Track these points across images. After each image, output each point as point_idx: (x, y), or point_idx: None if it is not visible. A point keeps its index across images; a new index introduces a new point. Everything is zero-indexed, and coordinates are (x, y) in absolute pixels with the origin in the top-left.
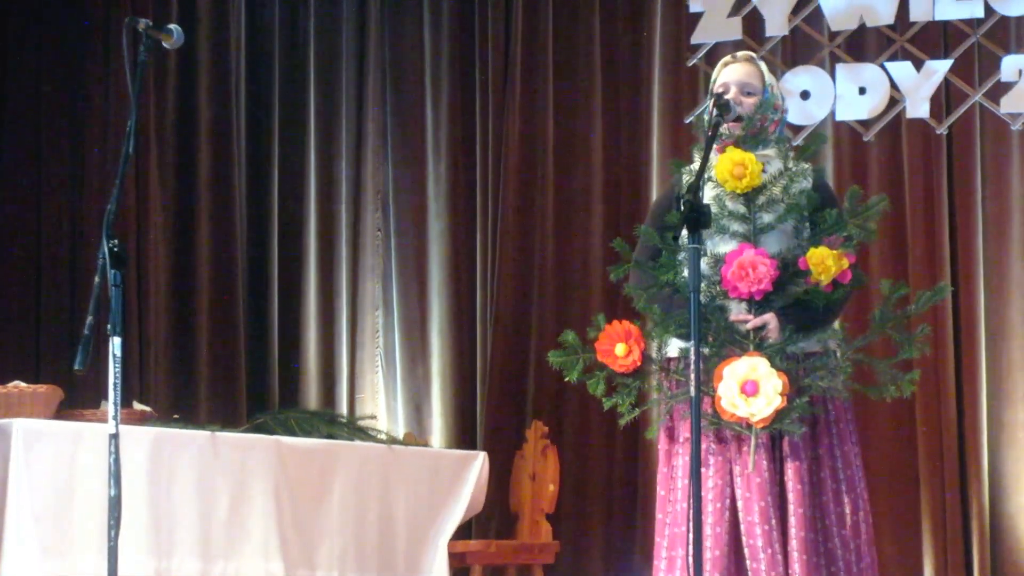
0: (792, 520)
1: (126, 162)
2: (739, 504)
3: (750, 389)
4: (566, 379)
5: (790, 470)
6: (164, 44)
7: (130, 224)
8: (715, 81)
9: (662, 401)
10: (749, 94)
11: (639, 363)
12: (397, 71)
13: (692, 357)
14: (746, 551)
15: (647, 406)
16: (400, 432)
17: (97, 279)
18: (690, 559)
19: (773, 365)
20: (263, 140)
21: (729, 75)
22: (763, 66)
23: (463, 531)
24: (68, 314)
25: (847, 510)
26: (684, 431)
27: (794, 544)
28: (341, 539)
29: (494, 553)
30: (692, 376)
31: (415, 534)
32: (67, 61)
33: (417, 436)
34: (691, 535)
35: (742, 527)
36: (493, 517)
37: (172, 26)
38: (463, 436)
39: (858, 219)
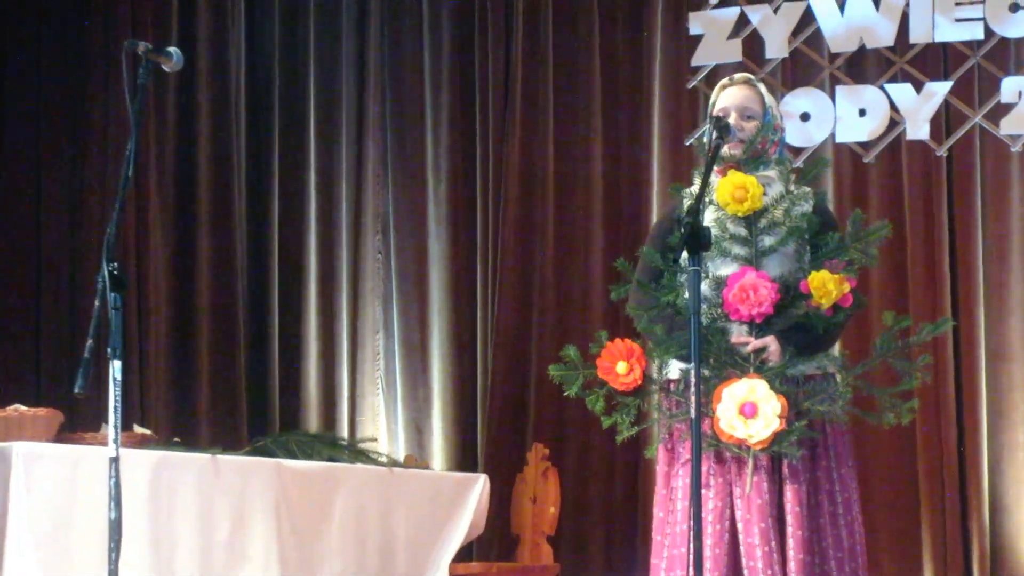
0: (791, 542)
1: (126, 185)
2: (739, 526)
3: (748, 411)
4: (565, 393)
5: (789, 492)
6: (164, 67)
7: (130, 247)
8: (714, 104)
9: (662, 421)
10: (749, 118)
11: (640, 382)
12: (397, 94)
13: (692, 379)
14: (746, 573)
15: (646, 425)
16: (401, 455)
17: (97, 302)
18: None
19: (773, 388)
20: (263, 163)
21: (728, 99)
22: (762, 87)
23: (464, 554)
24: (68, 337)
25: (843, 533)
26: (683, 453)
27: (792, 566)
28: (342, 562)
29: (495, 575)
30: (692, 398)
31: (416, 557)
32: (67, 84)
33: (418, 459)
34: (691, 556)
35: (742, 549)
36: (494, 540)
37: (172, 49)
38: (464, 459)
39: (860, 244)
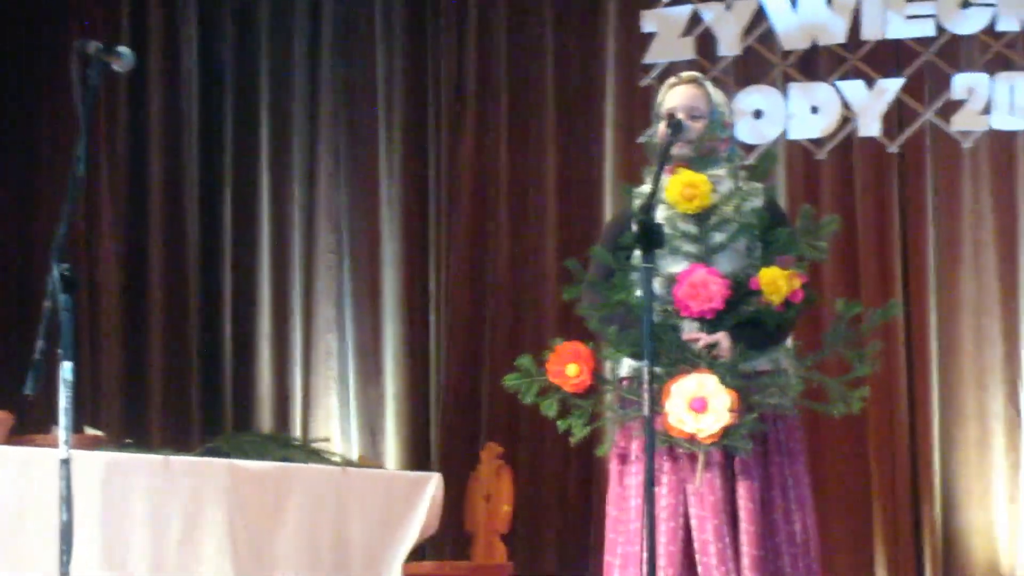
0: (744, 538)
1: (76, 185)
2: (692, 522)
3: (698, 406)
4: (521, 400)
5: (742, 488)
6: (115, 67)
7: (81, 248)
8: (661, 104)
9: (614, 420)
10: (696, 118)
11: (590, 382)
12: (350, 94)
13: (645, 377)
14: (699, 569)
15: (599, 424)
16: (354, 454)
17: (47, 303)
18: None
19: (724, 383)
20: (216, 163)
21: (675, 99)
22: (709, 86)
23: (418, 553)
24: (18, 339)
25: (796, 528)
26: (636, 450)
27: (745, 562)
28: (295, 562)
29: (449, 574)
30: (645, 395)
31: (370, 556)
32: (18, 84)
33: (371, 458)
34: (645, 554)
35: (695, 545)
36: (448, 538)
37: (123, 49)
38: (417, 458)
39: (810, 238)
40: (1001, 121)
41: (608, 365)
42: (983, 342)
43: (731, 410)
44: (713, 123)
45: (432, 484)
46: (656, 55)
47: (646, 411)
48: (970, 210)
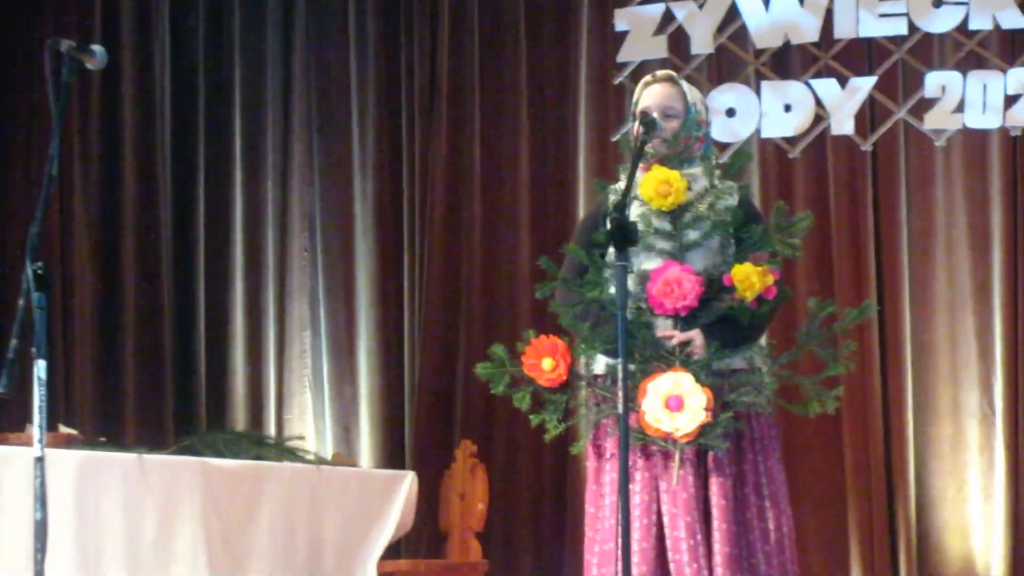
0: (716, 535)
1: (50, 184)
2: (665, 520)
3: (674, 404)
4: (492, 391)
5: (715, 485)
6: (87, 65)
7: (54, 246)
8: (636, 103)
9: (589, 417)
10: (671, 116)
11: (565, 378)
12: (323, 92)
13: (619, 374)
14: (672, 566)
15: (573, 421)
16: (328, 452)
17: (21, 301)
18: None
19: (698, 381)
20: (188, 162)
21: (650, 98)
22: (684, 85)
23: (392, 551)
24: None
25: (771, 526)
26: (612, 448)
27: (718, 560)
28: (270, 560)
29: (424, 572)
30: (620, 393)
31: (344, 554)
32: None
33: (346, 456)
34: (619, 551)
35: (668, 542)
36: (422, 536)
37: (95, 47)
38: (392, 456)
39: (783, 235)
40: (974, 119)
41: (582, 361)
42: (957, 340)
43: (707, 409)
44: (688, 121)
45: (407, 482)
46: (629, 53)
47: (620, 408)
48: (943, 208)
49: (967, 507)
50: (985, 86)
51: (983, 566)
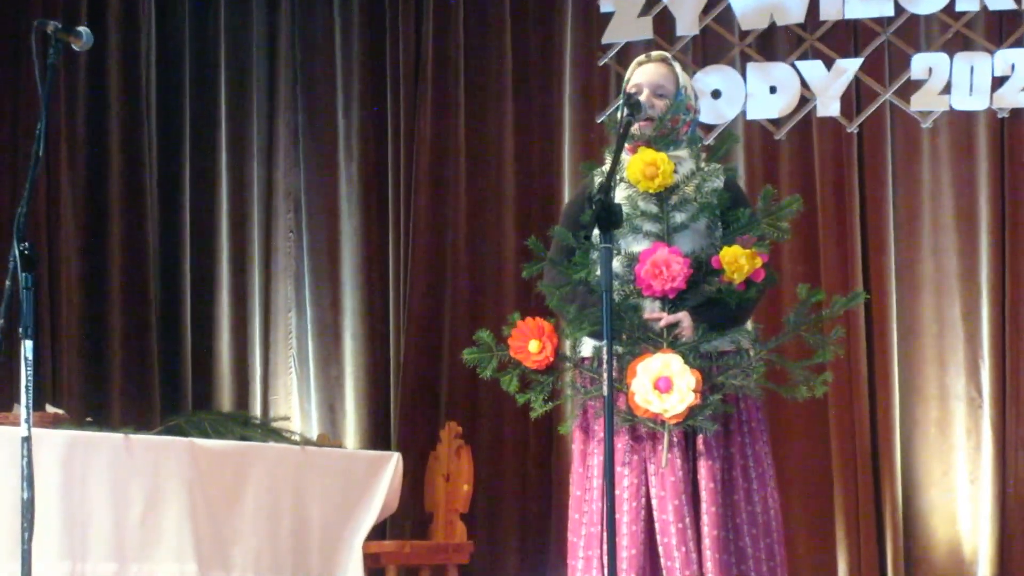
0: (705, 519)
1: (36, 165)
2: (654, 503)
3: (663, 385)
4: (480, 375)
5: (703, 468)
6: (74, 46)
7: (41, 227)
8: (628, 81)
9: (576, 399)
10: (661, 96)
11: (551, 359)
12: (308, 72)
13: (605, 356)
14: (660, 549)
15: (560, 402)
16: (314, 433)
17: (8, 282)
18: (605, 558)
19: (687, 363)
20: (174, 142)
21: (642, 76)
22: (677, 67)
23: (377, 532)
24: None
25: (758, 508)
26: (599, 430)
27: (707, 543)
28: (255, 540)
29: (409, 554)
30: (605, 375)
31: (329, 535)
32: None
33: (331, 437)
34: (605, 534)
35: (656, 525)
36: (408, 518)
37: (81, 28)
38: (377, 437)
39: (771, 218)
40: (961, 101)
41: (568, 343)
42: (944, 323)
43: (695, 390)
44: (677, 104)
45: (392, 463)
46: (614, 35)
47: (606, 391)
48: (930, 190)
49: (954, 490)
50: (972, 68)
51: (970, 550)
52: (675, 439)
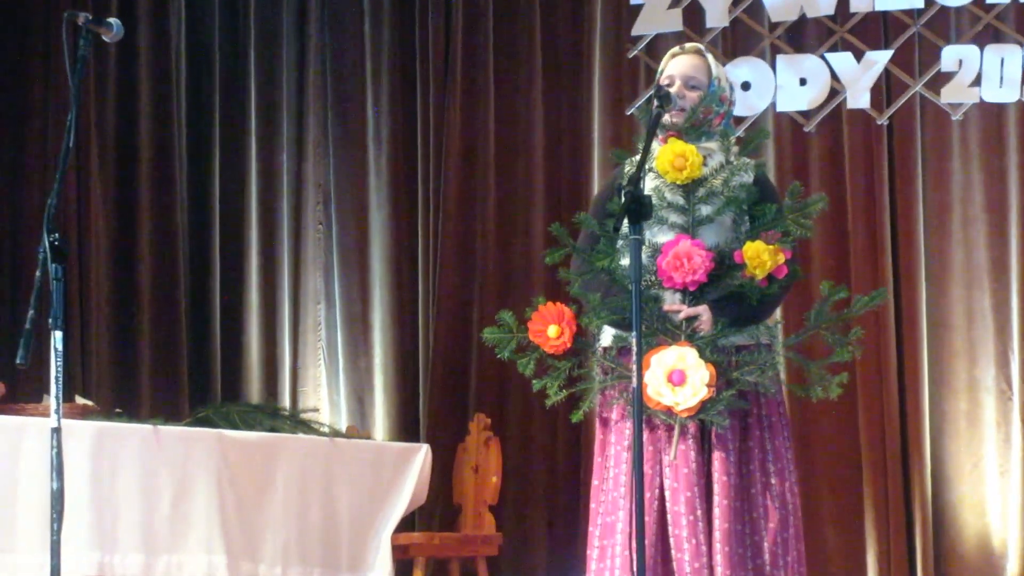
0: (716, 511)
1: (67, 156)
2: (666, 494)
3: (677, 378)
4: (497, 355)
5: (716, 461)
6: (104, 38)
7: (71, 218)
8: (661, 72)
9: (595, 389)
10: (693, 87)
11: (569, 345)
12: (338, 63)
13: (633, 348)
14: (671, 540)
15: (575, 389)
16: (343, 425)
17: (38, 273)
18: (632, 546)
19: (703, 356)
20: (204, 133)
21: (675, 68)
22: (711, 58)
23: (406, 523)
24: (9, 308)
25: (776, 503)
26: (615, 419)
27: (717, 536)
28: (284, 532)
29: (437, 545)
30: (634, 368)
31: (358, 527)
32: (7, 56)
33: (360, 429)
34: (632, 527)
35: (669, 517)
36: (436, 509)
37: (112, 20)
38: (406, 429)
39: (796, 215)
40: (991, 93)
41: (592, 331)
42: (973, 315)
43: (709, 385)
44: (709, 96)
45: (421, 455)
46: (643, 27)
47: (635, 382)
48: (960, 182)
49: (983, 483)
50: (1002, 60)
51: (999, 542)
52: (690, 431)
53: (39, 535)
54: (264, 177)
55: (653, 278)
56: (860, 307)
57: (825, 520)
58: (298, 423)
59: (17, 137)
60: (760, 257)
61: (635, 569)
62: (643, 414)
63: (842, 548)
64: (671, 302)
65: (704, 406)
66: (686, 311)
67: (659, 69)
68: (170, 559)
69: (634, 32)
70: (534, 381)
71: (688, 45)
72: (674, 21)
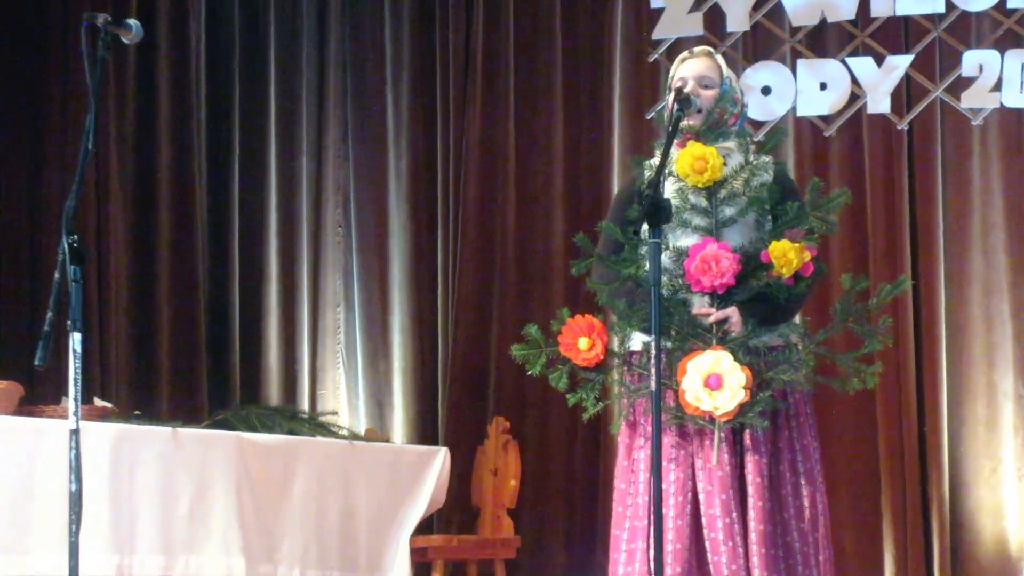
0: (752, 513)
1: (85, 158)
2: (701, 497)
3: (714, 383)
4: (528, 373)
5: (750, 463)
6: (123, 39)
7: (90, 220)
8: (673, 76)
9: (624, 395)
10: (707, 87)
11: (602, 357)
12: (358, 66)
13: (653, 351)
14: (707, 544)
15: (610, 400)
16: (361, 428)
17: (57, 275)
18: (651, 553)
19: (736, 359)
20: (224, 136)
21: (687, 70)
22: (720, 60)
23: (425, 526)
24: (28, 310)
25: (806, 503)
26: (646, 425)
27: (753, 537)
28: (303, 535)
29: (456, 548)
30: (653, 370)
31: (377, 529)
32: (26, 57)
33: (378, 432)
34: (652, 528)
35: (703, 520)
36: (455, 512)
37: (131, 21)
38: (425, 432)
39: (819, 212)
40: (1011, 98)
41: (617, 338)
42: (992, 320)
43: (746, 387)
44: (723, 95)
45: (439, 458)
46: (664, 31)
47: (653, 386)
48: (979, 187)
49: (1001, 488)
50: (1023, 65)
51: (1017, 547)
52: (723, 434)
53: (57, 537)
54: (284, 180)
55: (680, 282)
56: (885, 295)
57: (843, 524)
58: (317, 426)
59: (36, 138)
60: (787, 256)
61: (652, 570)
62: (676, 421)
63: (860, 552)
64: (699, 306)
65: (742, 409)
66: (716, 314)
67: (670, 74)
68: (188, 561)
69: (655, 36)
70: (568, 395)
71: (697, 49)
72: (695, 25)
